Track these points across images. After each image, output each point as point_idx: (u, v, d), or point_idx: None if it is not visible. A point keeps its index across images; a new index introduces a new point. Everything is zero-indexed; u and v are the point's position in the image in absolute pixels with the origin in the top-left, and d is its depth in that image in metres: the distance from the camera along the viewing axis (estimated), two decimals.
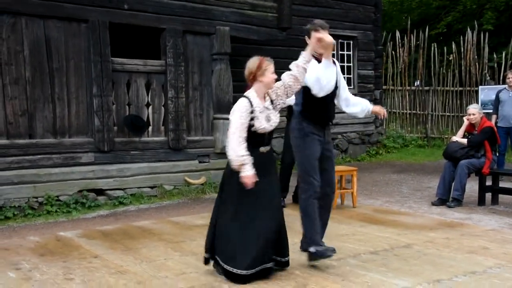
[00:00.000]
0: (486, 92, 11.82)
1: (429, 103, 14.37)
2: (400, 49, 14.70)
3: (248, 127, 4.14)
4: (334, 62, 4.82)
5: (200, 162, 8.80)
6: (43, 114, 7.44)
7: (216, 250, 4.34)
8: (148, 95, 8.35)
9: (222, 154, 8.85)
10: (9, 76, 7.17)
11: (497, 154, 8.35)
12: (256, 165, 4.11)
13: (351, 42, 12.62)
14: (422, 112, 14.54)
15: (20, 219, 6.96)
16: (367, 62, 12.93)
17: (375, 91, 13.14)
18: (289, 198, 7.53)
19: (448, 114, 14.25)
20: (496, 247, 5.18)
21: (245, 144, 4.08)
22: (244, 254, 4.12)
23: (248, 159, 4.06)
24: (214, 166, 8.85)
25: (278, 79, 4.42)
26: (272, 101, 4.33)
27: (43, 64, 7.41)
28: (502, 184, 7.80)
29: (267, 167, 4.30)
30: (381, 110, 5.10)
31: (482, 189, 7.38)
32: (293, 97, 4.70)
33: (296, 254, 4.74)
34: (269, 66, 4.29)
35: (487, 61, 13.73)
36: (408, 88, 14.77)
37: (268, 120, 4.25)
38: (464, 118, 7.68)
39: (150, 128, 8.39)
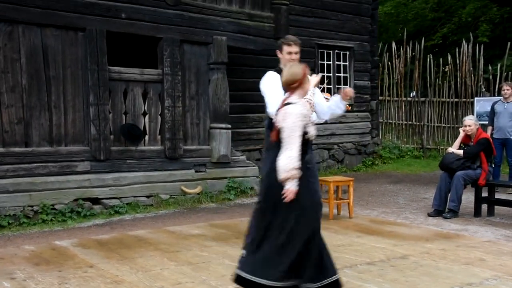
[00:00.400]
0: (482, 104, 11.89)
1: (425, 114, 14.42)
2: (396, 60, 14.77)
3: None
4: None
5: (196, 171, 8.78)
6: (39, 122, 7.42)
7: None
8: (144, 104, 8.34)
9: (219, 164, 8.86)
10: (5, 84, 7.16)
11: (493, 166, 8.37)
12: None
13: (348, 52, 12.68)
14: (418, 123, 14.58)
15: (15, 228, 6.92)
16: (363, 73, 12.98)
17: (371, 101, 13.18)
18: None
19: (444, 125, 14.29)
20: (493, 259, 5.18)
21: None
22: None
23: (298, 173, 3.67)
24: (210, 175, 8.84)
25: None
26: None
27: (40, 72, 7.41)
28: (498, 196, 7.81)
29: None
30: (347, 91, 4.70)
31: (478, 200, 7.38)
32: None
33: None
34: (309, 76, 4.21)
35: (482, 73, 13.81)
36: (404, 99, 14.83)
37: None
38: (460, 130, 7.70)
39: (146, 137, 8.37)
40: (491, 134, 9.29)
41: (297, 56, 4.80)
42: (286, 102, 3.82)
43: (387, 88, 14.97)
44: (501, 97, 9.58)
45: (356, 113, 12.79)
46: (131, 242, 6.01)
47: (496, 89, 13.35)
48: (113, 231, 6.69)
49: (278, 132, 3.74)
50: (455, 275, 4.67)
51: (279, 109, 3.85)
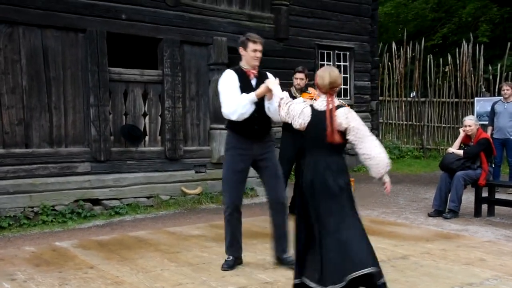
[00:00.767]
0: (482, 104, 11.89)
1: (425, 114, 14.43)
2: (396, 60, 14.78)
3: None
4: (263, 75, 4.71)
5: (196, 172, 8.79)
6: (39, 123, 7.43)
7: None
8: (145, 105, 8.35)
9: (219, 164, 8.84)
10: (5, 85, 7.16)
11: (493, 166, 8.37)
12: None
13: (348, 53, 12.68)
14: (418, 123, 14.59)
15: (16, 229, 6.92)
16: (363, 73, 12.98)
17: (371, 102, 13.18)
18: None
19: (444, 125, 14.30)
20: (493, 259, 5.18)
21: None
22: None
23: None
24: (210, 176, 8.84)
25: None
26: None
27: (40, 73, 7.41)
28: (498, 196, 7.81)
29: None
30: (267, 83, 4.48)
31: (478, 200, 7.39)
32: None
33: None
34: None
35: (482, 73, 13.82)
36: (404, 99, 14.84)
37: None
38: (460, 130, 7.70)
39: (146, 138, 8.38)
40: (491, 134, 9.29)
41: (261, 54, 4.70)
42: (337, 105, 3.97)
43: (387, 88, 14.98)
44: (501, 97, 9.58)
45: (356, 114, 12.76)
46: (132, 243, 6.01)
47: (496, 89, 13.36)
48: (114, 232, 6.69)
49: (344, 133, 3.97)
50: (456, 275, 4.68)
51: (329, 111, 3.90)
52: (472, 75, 13.79)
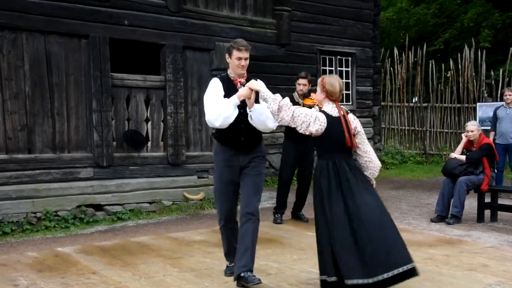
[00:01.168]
0: (484, 109, 11.89)
1: (427, 120, 14.42)
2: (398, 65, 14.79)
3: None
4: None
5: (199, 177, 8.79)
6: (42, 129, 7.45)
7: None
8: (147, 110, 8.36)
9: None
10: (9, 91, 7.19)
11: (496, 171, 8.36)
12: None
13: (350, 58, 12.69)
14: (420, 129, 14.58)
15: (18, 234, 6.93)
16: (365, 79, 12.99)
17: (373, 107, 13.18)
18: (287, 214, 7.51)
19: (446, 130, 14.29)
20: (496, 265, 5.17)
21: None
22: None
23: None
24: (213, 181, 8.80)
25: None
26: None
27: (43, 79, 7.44)
28: (500, 201, 7.80)
29: None
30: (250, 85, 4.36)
31: (481, 206, 7.38)
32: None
33: (295, 271, 4.72)
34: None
35: (484, 78, 13.81)
36: (406, 104, 14.84)
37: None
38: (463, 135, 7.70)
39: (149, 143, 8.39)
40: (494, 139, 9.29)
41: (247, 62, 4.46)
42: (346, 111, 4.29)
43: (389, 93, 14.98)
44: (504, 103, 9.58)
45: (358, 119, 12.75)
46: (134, 248, 6.01)
47: (499, 95, 13.35)
48: (116, 237, 6.69)
49: (354, 137, 4.20)
50: (458, 281, 4.67)
51: (343, 117, 4.18)
52: (474, 80, 13.79)
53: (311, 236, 6.38)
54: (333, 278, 3.97)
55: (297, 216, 7.46)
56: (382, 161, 13.04)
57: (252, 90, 4.27)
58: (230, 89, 4.43)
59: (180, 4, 8.53)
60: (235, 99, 4.30)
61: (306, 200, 7.35)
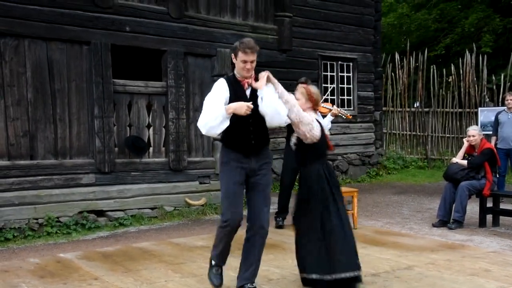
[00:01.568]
0: (486, 114, 11.88)
1: (429, 125, 14.42)
2: (400, 70, 14.80)
3: None
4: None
5: (200, 183, 8.80)
6: (44, 135, 7.47)
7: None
8: (149, 116, 8.38)
9: None
10: (11, 98, 7.21)
11: (497, 176, 8.35)
12: None
13: (351, 64, 12.71)
14: (422, 134, 14.58)
15: (20, 240, 6.94)
16: (367, 84, 13.01)
17: (375, 112, 13.19)
18: (289, 219, 7.49)
19: (448, 135, 14.28)
20: (498, 270, 5.16)
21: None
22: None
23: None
24: (214, 187, 8.84)
25: None
26: None
27: (45, 85, 7.46)
28: (502, 206, 7.78)
29: None
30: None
31: (483, 210, 7.37)
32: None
33: (297, 276, 4.70)
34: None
35: (486, 83, 13.82)
36: (407, 109, 14.84)
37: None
38: (464, 140, 7.70)
39: (150, 149, 8.41)
40: (495, 144, 9.28)
41: (253, 65, 4.20)
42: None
43: (391, 98, 14.99)
44: (505, 107, 9.57)
45: (360, 124, 12.80)
46: (136, 254, 6.01)
47: (500, 99, 13.35)
48: (118, 243, 6.70)
49: None
50: (461, 286, 4.66)
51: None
52: (476, 85, 13.80)
53: None
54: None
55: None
56: (383, 166, 13.11)
57: (248, 107, 4.03)
58: (236, 90, 4.21)
59: (181, 11, 8.57)
60: (222, 111, 4.02)
61: None
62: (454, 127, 14.19)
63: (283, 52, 9.97)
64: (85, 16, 7.67)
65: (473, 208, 7.99)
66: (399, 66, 14.81)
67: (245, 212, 4.30)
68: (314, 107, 4.46)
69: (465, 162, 7.43)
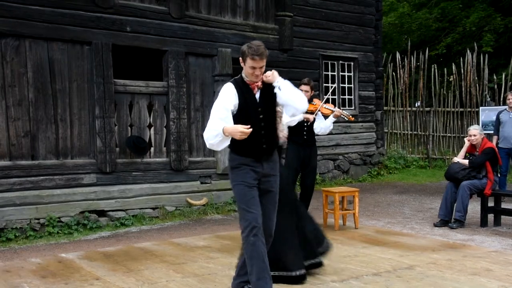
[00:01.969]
0: (487, 113, 11.86)
1: (430, 124, 14.41)
2: (401, 70, 14.79)
3: None
4: (268, 87, 4.17)
5: (202, 183, 8.80)
6: (45, 135, 7.48)
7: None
8: (150, 116, 8.39)
9: (224, 175, 8.88)
10: (12, 98, 7.22)
11: (499, 175, 8.35)
12: None
13: (352, 63, 12.70)
14: (423, 133, 14.57)
15: (22, 240, 6.95)
16: (367, 83, 13.00)
17: (376, 112, 13.19)
18: None
19: (449, 135, 14.28)
20: (500, 269, 5.16)
21: None
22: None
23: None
24: (216, 187, 8.85)
25: None
26: None
27: (46, 85, 7.47)
28: (504, 205, 7.78)
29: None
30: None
31: (484, 210, 7.36)
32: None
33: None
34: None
35: (487, 82, 13.81)
36: (409, 109, 14.84)
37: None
38: (465, 139, 7.70)
39: (152, 149, 8.41)
40: (497, 143, 9.28)
41: (262, 70, 4.04)
42: None
43: (392, 98, 14.99)
44: (506, 107, 9.56)
45: (361, 124, 12.80)
46: (137, 254, 6.02)
47: (501, 99, 13.34)
48: (119, 243, 6.70)
49: None
50: (462, 285, 4.66)
51: None
52: (477, 85, 13.79)
53: None
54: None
55: None
56: (385, 166, 13.11)
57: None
58: (245, 94, 4.07)
59: (182, 11, 8.57)
60: (220, 131, 3.86)
61: (309, 205, 7.35)
62: (455, 126, 14.18)
63: (284, 51, 9.97)
64: (86, 16, 7.68)
65: (474, 207, 7.99)
66: (400, 66, 14.81)
67: None
68: None
69: (466, 161, 7.43)
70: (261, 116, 4.06)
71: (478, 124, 11.40)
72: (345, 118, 7.41)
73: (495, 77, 13.83)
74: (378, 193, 10.64)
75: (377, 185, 11.87)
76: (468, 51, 14.00)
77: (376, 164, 13.10)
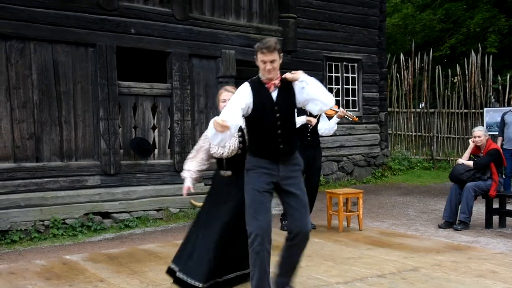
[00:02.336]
0: (491, 114, 11.83)
1: (434, 125, 14.38)
2: (405, 71, 14.77)
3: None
4: (286, 85, 4.11)
5: (206, 184, 8.79)
6: (50, 137, 7.49)
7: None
8: (154, 118, 8.40)
9: None
10: (17, 100, 7.24)
11: (504, 177, 8.32)
12: (216, 186, 4.72)
13: (356, 65, 12.70)
14: (427, 134, 14.54)
15: (26, 242, 6.96)
16: (372, 85, 12.99)
17: (380, 113, 13.17)
18: None
19: (453, 136, 14.25)
20: (505, 271, 5.13)
21: (195, 161, 4.93)
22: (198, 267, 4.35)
23: (188, 174, 4.91)
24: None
25: None
26: None
27: (51, 87, 7.49)
28: (509, 207, 7.75)
29: (230, 191, 4.49)
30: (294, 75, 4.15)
31: (489, 211, 7.34)
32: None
33: (302, 278, 4.70)
34: (220, 95, 4.58)
35: (491, 83, 13.77)
36: (413, 110, 14.81)
37: (223, 147, 4.42)
38: (470, 141, 7.68)
39: (156, 151, 8.42)
40: (501, 144, 9.25)
41: (273, 65, 3.96)
42: None
43: (396, 99, 14.96)
44: (511, 108, 9.53)
45: (365, 125, 12.78)
46: (141, 256, 6.02)
47: (506, 100, 13.31)
48: (123, 245, 6.71)
49: None
50: (467, 287, 4.64)
51: None
52: (481, 86, 13.76)
53: (317, 242, 6.39)
54: None
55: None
56: (389, 167, 13.08)
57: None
58: (261, 93, 3.99)
59: (186, 12, 8.58)
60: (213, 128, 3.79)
61: (313, 207, 7.35)
62: (459, 127, 14.15)
63: (288, 53, 9.95)
64: (90, 18, 7.69)
65: (479, 209, 7.96)
66: (404, 67, 14.79)
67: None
68: None
69: (471, 163, 7.41)
70: (277, 115, 3.98)
71: (483, 125, 11.37)
72: (349, 118, 7.40)
73: (499, 78, 13.80)
74: (382, 195, 10.62)
75: (381, 186, 11.85)
76: (473, 52, 13.97)
77: (380, 165, 13.08)
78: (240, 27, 9.20)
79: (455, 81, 15.27)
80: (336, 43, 12.24)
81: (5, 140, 7.17)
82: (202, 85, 8.87)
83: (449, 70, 14.85)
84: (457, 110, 14.19)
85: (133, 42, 8.10)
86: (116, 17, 7.92)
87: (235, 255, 4.41)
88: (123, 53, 8.21)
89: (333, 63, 12.29)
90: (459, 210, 7.30)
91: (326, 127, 7.15)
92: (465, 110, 14.06)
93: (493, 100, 13.59)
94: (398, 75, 14.90)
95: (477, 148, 7.52)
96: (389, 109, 14.43)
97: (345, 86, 12.53)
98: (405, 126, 14.88)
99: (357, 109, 12.60)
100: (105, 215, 7.82)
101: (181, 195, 8.45)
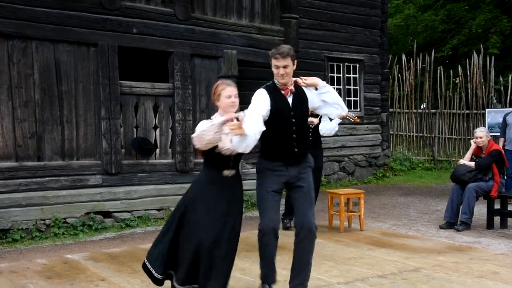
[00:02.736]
0: (493, 115, 11.83)
1: (436, 126, 14.38)
2: (406, 72, 14.77)
3: (212, 148, 4.14)
4: (301, 92, 4.24)
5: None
6: (51, 136, 7.50)
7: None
8: (155, 117, 8.40)
9: None
10: (19, 99, 7.24)
11: (505, 178, 8.31)
12: (218, 188, 4.14)
13: (357, 65, 12.70)
14: (429, 135, 14.53)
15: (28, 241, 6.96)
16: (373, 85, 12.99)
17: (381, 114, 13.17)
18: None
19: (455, 137, 14.24)
20: (506, 272, 5.13)
21: None
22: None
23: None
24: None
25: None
26: None
27: (53, 87, 7.49)
28: (510, 208, 7.74)
29: (232, 192, 4.21)
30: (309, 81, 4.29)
31: (491, 212, 7.33)
32: None
33: None
34: (223, 90, 4.18)
35: (493, 84, 13.76)
36: (414, 111, 14.81)
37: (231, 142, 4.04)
38: (472, 141, 7.67)
39: (157, 151, 8.42)
40: (503, 145, 9.24)
41: (286, 70, 4.07)
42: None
43: (398, 100, 14.96)
44: None
45: (366, 125, 12.78)
46: (142, 255, 5.98)
47: (508, 100, 13.30)
48: (124, 244, 6.71)
49: None
50: None
51: None
52: (483, 87, 13.75)
53: (318, 242, 6.36)
54: None
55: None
56: (390, 168, 13.08)
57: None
58: (277, 98, 4.12)
59: (188, 12, 8.58)
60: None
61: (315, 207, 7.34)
62: (461, 128, 14.14)
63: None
64: (92, 18, 7.70)
65: (480, 210, 7.95)
66: (406, 67, 14.78)
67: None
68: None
69: (472, 163, 7.40)
70: (293, 120, 4.12)
71: (484, 126, 11.36)
72: (351, 119, 7.40)
73: (501, 79, 13.78)
74: (383, 195, 10.62)
75: (382, 187, 11.84)
76: (474, 53, 13.96)
77: (382, 166, 13.08)
78: (242, 27, 9.20)
79: (456, 82, 15.27)
80: (338, 43, 12.24)
81: (7, 139, 7.17)
82: (204, 85, 8.87)
83: (451, 71, 14.86)
84: (458, 111, 14.18)
85: (135, 42, 8.10)
86: (118, 16, 7.92)
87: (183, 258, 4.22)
88: (125, 53, 8.21)
89: (335, 64, 12.29)
90: (460, 210, 7.30)
91: (328, 127, 7.15)
92: (467, 111, 14.06)
93: (494, 101, 13.57)
94: (399, 75, 14.90)
95: (478, 149, 7.51)
96: (390, 110, 14.42)
97: (346, 87, 12.52)
98: (407, 126, 14.87)
99: (358, 110, 12.60)
100: (106, 214, 7.82)
101: (183, 194, 8.50)
